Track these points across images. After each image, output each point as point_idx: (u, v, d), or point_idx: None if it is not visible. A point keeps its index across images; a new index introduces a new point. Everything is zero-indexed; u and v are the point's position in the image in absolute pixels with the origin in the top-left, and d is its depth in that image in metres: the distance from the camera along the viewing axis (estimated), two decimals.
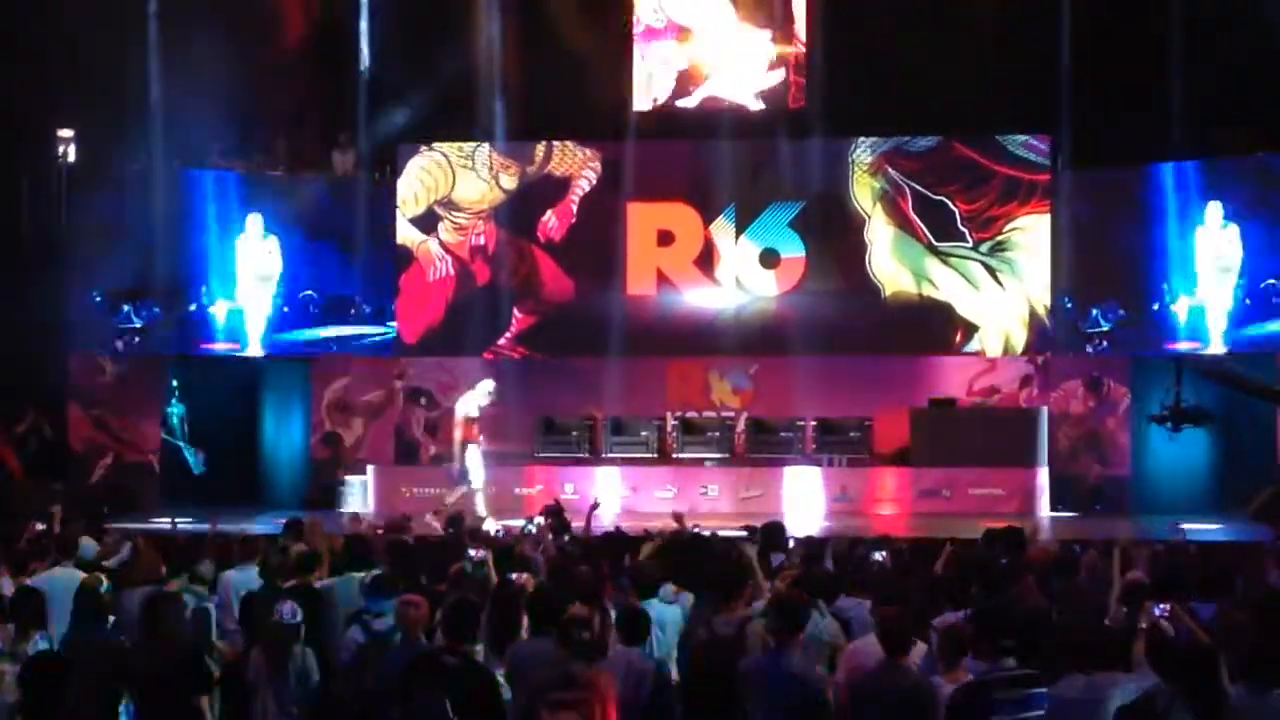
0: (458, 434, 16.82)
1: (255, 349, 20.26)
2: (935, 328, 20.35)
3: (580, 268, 20.94)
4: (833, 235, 20.64)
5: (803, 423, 19.31)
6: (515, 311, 20.91)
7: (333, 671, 7.61)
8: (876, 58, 19.00)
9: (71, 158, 19.06)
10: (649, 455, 19.18)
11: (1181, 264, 19.20)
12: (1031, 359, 20.06)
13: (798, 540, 11.77)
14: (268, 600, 7.84)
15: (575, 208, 20.99)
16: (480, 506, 16.42)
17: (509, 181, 21.10)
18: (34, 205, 19.05)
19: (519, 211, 21.11)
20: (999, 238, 20.23)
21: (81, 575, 8.70)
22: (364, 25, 20.32)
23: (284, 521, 11.43)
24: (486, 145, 20.99)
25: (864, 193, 20.59)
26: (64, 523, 11.54)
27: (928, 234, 20.36)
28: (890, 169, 20.49)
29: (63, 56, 17.18)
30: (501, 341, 20.85)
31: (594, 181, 21.00)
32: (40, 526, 11.02)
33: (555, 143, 20.99)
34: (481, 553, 9.52)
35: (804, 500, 18.24)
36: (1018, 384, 20.06)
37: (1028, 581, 8.66)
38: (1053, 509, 18.20)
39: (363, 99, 20.30)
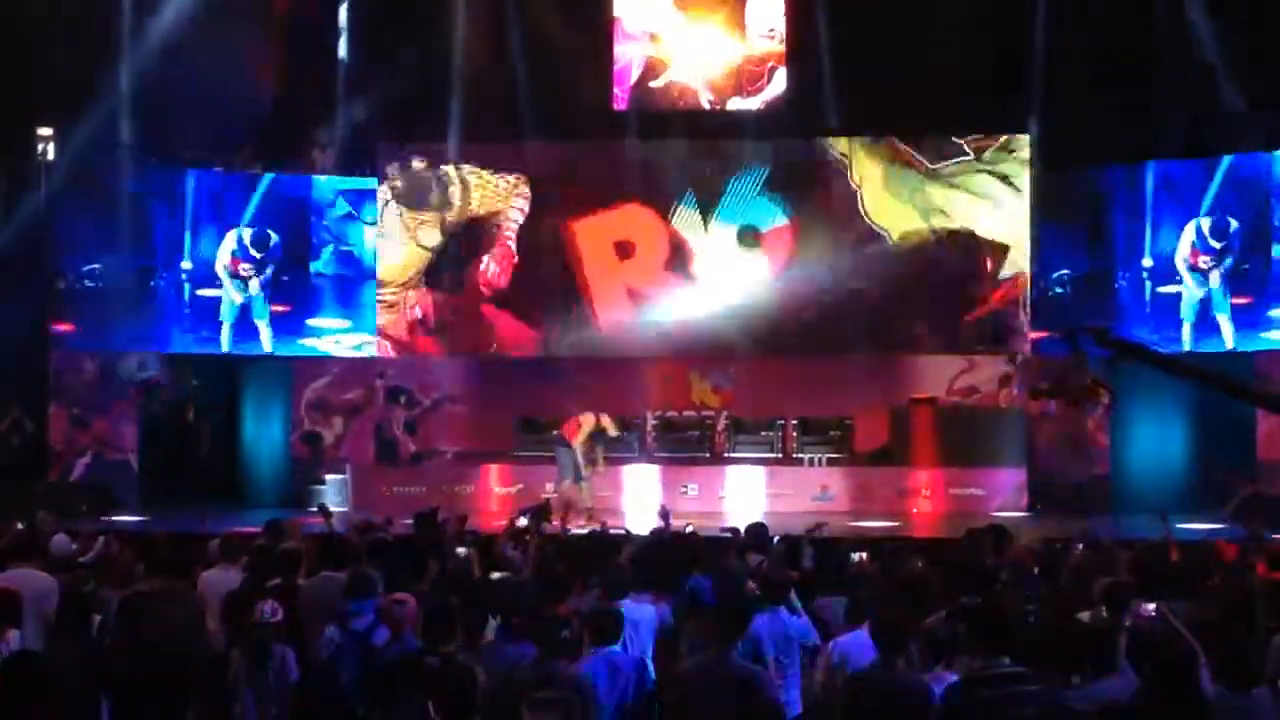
0: (581, 436, 16.74)
1: (230, 347, 20.17)
2: (960, 264, 19.18)
3: (538, 314, 19.85)
4: (815, 189, 19.52)
5: (783, 422, 19.27)
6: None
7: (311, 671, 7.60)
8: (865, 53, 18.82)
9: (51, 156, 18.95)
10: (629, 455, 19.07)
11: (1151, 260, 19.30)
12: (1010, 358, 19.94)
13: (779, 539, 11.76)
14: (248, 599, 7.81)
15: (513, 245, 19.78)
16: (587, 499, 16.55)
17: (430, 237, 19.88)
18: (14, 203, 18.96)
19: (451, 267, 19.83)
20: (1003, 138, 19.31)
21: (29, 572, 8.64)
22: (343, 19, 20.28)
23: (265, 522, 11.39)
24: (393, 203, 19.80)
25: (837, 140, 19.38)
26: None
27: (921, 159, 19.37)
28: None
29: (41, 55, 17.14)
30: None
31: (525, 210, 19.76)
32: (21, 526, 10.94)
33: (471, 176, 19.64)
34: (466, 550, 9.54)
35: (783, 499, 18.24)
36: (996, 383, 19.93)
37: (1005, 581, 8.67)
38: (1032, 508, 18.22)
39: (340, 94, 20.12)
